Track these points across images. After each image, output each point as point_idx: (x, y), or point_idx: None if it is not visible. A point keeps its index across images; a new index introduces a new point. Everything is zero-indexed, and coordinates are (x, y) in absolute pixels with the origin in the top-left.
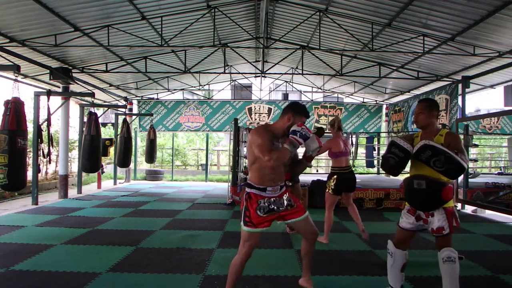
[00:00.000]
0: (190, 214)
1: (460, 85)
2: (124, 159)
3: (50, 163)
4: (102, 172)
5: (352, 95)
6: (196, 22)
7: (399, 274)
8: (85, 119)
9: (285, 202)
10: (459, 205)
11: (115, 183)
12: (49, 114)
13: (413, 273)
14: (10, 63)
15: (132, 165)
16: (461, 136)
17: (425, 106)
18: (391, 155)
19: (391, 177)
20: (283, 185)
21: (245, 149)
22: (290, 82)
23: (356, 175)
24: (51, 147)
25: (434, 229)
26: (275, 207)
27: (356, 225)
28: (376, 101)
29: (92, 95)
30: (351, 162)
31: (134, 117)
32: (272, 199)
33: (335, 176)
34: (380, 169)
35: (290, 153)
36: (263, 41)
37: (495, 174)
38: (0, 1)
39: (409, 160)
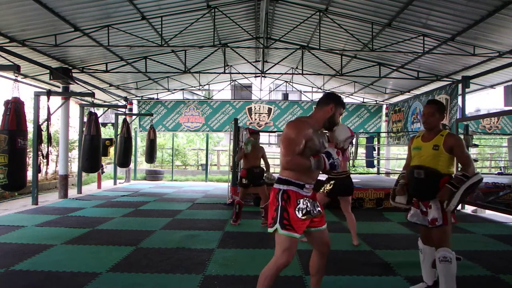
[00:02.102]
0: (190, 214)
1: (460, 85)
2: (124, 159)
3: (48, 164)
4: (102, 172)
5: (352, 95)
6: (196, 22)
7: (430, 269)
8: (85, 119)
9: (317, 206)
10: (459, 205)
11: (115, 183)
12: (49, 114)
13: (413, 273)
14: (10, 63)
15: (132, 165)
16: (461, 136)
17: (436, 109)
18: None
19: (391, 176)
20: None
21: None
22: (290, 82)
23: (356, 175)
24: (50, 148)
25: (429, 220)
26: (312, 210)
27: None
28: (376, 101)
29: (92, 95)
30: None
31: (134, 117)
32: (307, 199)
33: (332, 181)
34: (380, 169)
35: (309, 168)
36: (263, 41)
37: (495, 174)
38: (0, 1)
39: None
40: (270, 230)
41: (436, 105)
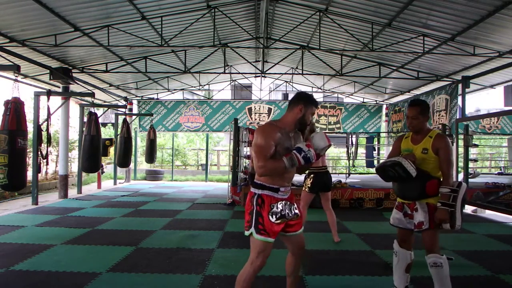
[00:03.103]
0: (190, 214)
1: (460, 85)
2: (124, 159)
3: (48, 164)
4: (102, 172)
5: (352, 95)
6: (196, 22)
7: (403, 274)
8: (85, 119)
9: (295, 209)
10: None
11: (115, 183)
12: (49, 114)
13: (412, 274)
14: (10, 63)
15: (132, 165)
16: (461, 136)
17: (419, 111)
18: (392, 170)
19: None
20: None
21: (245, 149)
22: (290, 82)
23: (356, 175)
24: (50, 148)
25: (416, 223)
26: (287, 213)
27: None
28: (376, 101)
29: (92, 95)
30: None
31: (134, 117)
32: (283, 202)
33: (312, 175)
34: None
35: (284, 168)
36: (263, 41)
37: (495, 174)
38: (0, 1)
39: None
40: (246, 233)
41: (418, 106)
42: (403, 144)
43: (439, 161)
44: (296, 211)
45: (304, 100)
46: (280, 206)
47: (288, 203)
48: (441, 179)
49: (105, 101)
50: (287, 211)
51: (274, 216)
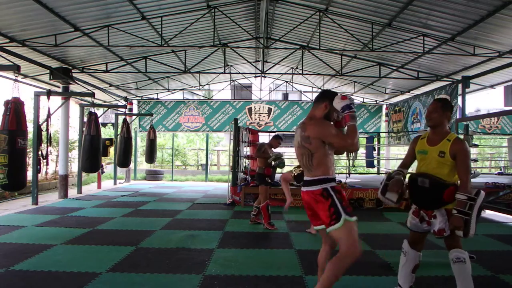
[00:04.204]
0: (190, 214)
1: (460, 85)
2: (124, 159)
3: (48, 164)
4: (102, 172)
5: (352, 95)
6: (196, 22)
7: (409, 274)
8: (85, 119)
9: None
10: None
11: (115, 183)
12: (49, 114)
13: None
14: (10, 63)
15: (132, 165)
16: (461, 136)
17: (440, 105)
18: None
19: None
20: None
21: (245, 149)
22: (290, 82)
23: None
24: (50, 148)
25: (436, 231)
26: None
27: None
28: (376, 101)
29: (92, 95)
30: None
31: (134, 117)
32: None
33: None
34: (380, 169)
35: (355, 126)
36: (263, 41)
37: (495, 174)
38: (0, 1)
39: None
40: (336, 226)
41: (440, 102)
42: (418, 146)
43: (456, 166)
44: None
45: (329, 97)
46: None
47: None
48: (456, 199)
49: (105, 101)
50: None
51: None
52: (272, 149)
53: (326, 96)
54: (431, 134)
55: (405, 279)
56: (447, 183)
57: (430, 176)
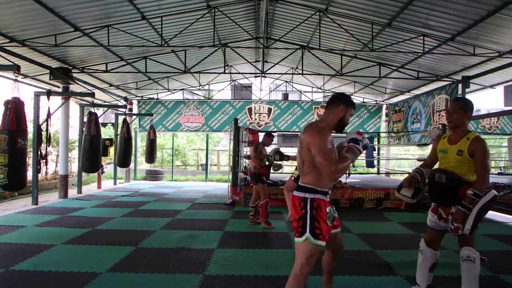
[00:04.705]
0: (190, 214)
1: (460, 85)
2: (124, 159)
3: (48, 164)
4: (102, 172)
5: (352, 95)
6: (196, 22)
7: (427, 273)
8: (85, 119)
9: (335, 209)
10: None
11: (115, 183)
12: (49, 114)
13: (413, 273)
14: (10, 63)
15: (132, 165)
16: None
17: (460, 106)
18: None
19: (391, 176)
20: None
21: (245, 149)
22: (290, 82)
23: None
24: (50, 148)
25: (452, 228)
26: (336, 215)
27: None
28: (376, 101)
29: (92, 95)
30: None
31: (134, 117)
32: (331, 205)
33: None
34: (380, 169)
35: (351, 163)
36: (263, 41)
37: (495, 174)
38: (0, 1)
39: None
40: (299, 240)
41: (460, 102)
42: (440, 145)
43: (474, 164)
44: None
45: (345, 101)
46: (330, 209)
47: (332, 205)
48: (466, 193)
49: (105, 101)
50: (334, 213)
51: (329, 220)
52: (265, 147)
53: (342, 99)
54: (452, 134)
55: (423, 278)
56: (464, 180)
57: (447, 172)
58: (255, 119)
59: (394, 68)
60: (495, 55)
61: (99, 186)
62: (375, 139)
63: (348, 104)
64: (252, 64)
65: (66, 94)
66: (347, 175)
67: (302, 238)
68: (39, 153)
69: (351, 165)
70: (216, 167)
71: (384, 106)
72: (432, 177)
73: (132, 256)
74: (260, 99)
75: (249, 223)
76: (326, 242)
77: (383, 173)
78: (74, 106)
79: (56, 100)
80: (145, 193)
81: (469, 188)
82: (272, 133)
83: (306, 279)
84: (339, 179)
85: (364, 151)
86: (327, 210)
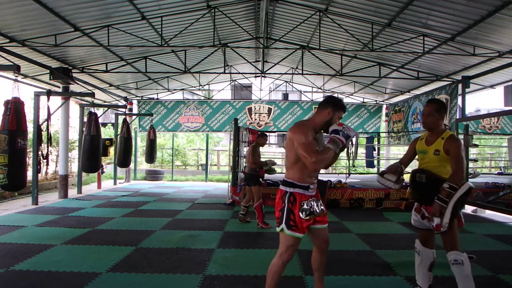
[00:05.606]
0: (190, 214)
1: (460, 85)
2: (124, 159)
3: (48, 164)
4: (102, 172)
5: (352, 95)
6: (196, 22)
7: (426, 273)
8: (85, 119)
9: (321, 205)
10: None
11: (115, 183)
12: (49, 114)
13: (412, 273)
14: (10, 63)
15: (132, 165)
16: (461, 137)
17: (435, 109)
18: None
19: None
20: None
21: (245, 149)
22: (290, 82)
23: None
24: (50, 148)
25: (434, 226)
26: (315, 210)
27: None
28: (376, 101)
29: (92, 95)
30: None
31: (134, 117)
32: (312, 199)
33: None
34: (380, 169)
35: (334, 153)
36: (263, 41)
37: (495, 174)
38: (0, 1)
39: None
40: (277, 229)
41: (435, 104)
42: (418, 146)
43: (450, 159)
44: (322, 207)
45: (332, 104)
46: (310, 204)
47: (315, 199)
48: (441, 187)
49: (105, 101)
50: (315, 207)
51: (304, 213)
52: (260, 147)
53: (330, 102)
54: (428, 135)
55: (423, 279)
56: (443, 178)
57: (426, 171)
58: (255, 119)
59: (394, 68)
60: (495, 55)
61: (99, 186)
62: (375, 139)
63: (336, 108)
64: (252, 64)
65: (66, 94)
66: (347, 175)
67: (279, 228)
68: (39, 153)
69: (351, 163)
70: (216, 167)
71: (384, 106)
72: (413, 177)
73: (132, 256)
74: (260, 99)
75: (239, 221)
76: (309, 235)
77: None
78: (74, 106)
79: (56, 100)
80: (145, 193)
81: (445, 182)
82: (266, 133)
83: (285, 265)
84: (339, 179)
85: (353, 144)
86: (301, 204)
